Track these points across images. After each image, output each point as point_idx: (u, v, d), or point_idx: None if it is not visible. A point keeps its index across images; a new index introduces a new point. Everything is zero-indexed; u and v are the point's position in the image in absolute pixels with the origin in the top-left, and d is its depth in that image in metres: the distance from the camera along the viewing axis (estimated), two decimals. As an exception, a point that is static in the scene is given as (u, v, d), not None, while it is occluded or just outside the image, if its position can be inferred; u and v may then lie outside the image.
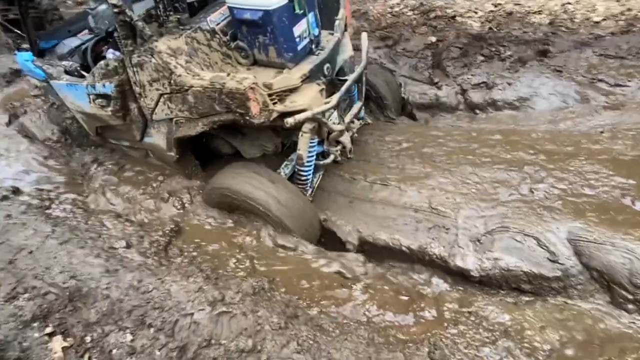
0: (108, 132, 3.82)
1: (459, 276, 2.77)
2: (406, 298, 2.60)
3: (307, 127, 2.88)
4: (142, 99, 3.17)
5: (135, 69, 3.00)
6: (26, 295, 2.61)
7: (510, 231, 2.77)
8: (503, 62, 4.25)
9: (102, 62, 3.18)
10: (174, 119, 3.14)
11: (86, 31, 3.79)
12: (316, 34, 3.13)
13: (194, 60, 2.91)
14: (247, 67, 3.12)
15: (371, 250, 3.06)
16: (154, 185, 3.71)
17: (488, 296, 2.61)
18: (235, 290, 2.49)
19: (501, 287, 2.68)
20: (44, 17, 4.51)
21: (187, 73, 2.81)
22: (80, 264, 2.75)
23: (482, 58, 4.34)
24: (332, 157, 3.35)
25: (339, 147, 3.33)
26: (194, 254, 3.00)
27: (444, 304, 2.51)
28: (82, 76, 3.42)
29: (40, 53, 3.80)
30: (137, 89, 3.13)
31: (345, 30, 3.55)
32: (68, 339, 2.37)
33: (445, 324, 2.32)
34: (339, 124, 3.21)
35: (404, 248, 2.93)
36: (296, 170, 3.19)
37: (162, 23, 3.00)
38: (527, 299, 2.58)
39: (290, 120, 2.71)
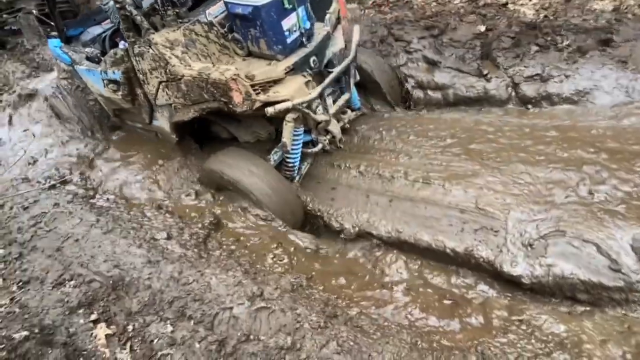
0: (124, 114, 4.24)
1: (508, 282, 2.67)
2: (450, 302, 2.54)
3: (290, 116, 3.14)
4: (145, 86, 3.52)
5: (137, 58, 3.35)
6: (72, 282, 2.74)
7: (566, 236, 2.63)
8: (560, 52, 4.01)
9: (112, 51, 3.57)
10: (172, 105, 3.46)
11: (109, 20, 4.09)
12: (307, 27, 3.30)
13: (190, 51, 3.20)
14: (243, 57, 3.38)
15: (412, 252, 3.00)
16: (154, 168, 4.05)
17: (539, 304, 2.50)
18: (274, 286, 2.52)
19: (554, 295, 2.56)
20: (77, 10, 4.87)
21: (181, 63, 3.11)
22: (123, 253, 2.85)
23: (536, 48, 4.11)
24: (320, 145, 3.62)
25: (328, 137, 3.59)
26: (232, 247, 3.05)
27: (491, 311, 2.43)
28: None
29: (67, 40, 4.25)
30: (140, 76, 3.49)
31: (339, 23, 3.72)
32: (111, 327, 2.46)
33: (494, 332, 2.25)
34: (323, 114, 3.38)
35: (448, 250, 2.86)
36: (284, 157, 3.46)
37: (162, 16, 3.29)
38: (582, 309, 2.45)
39: (269, 110, 2.96)
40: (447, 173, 3.31)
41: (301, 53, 3.26)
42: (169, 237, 3.01)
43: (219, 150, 3.55)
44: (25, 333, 2.38)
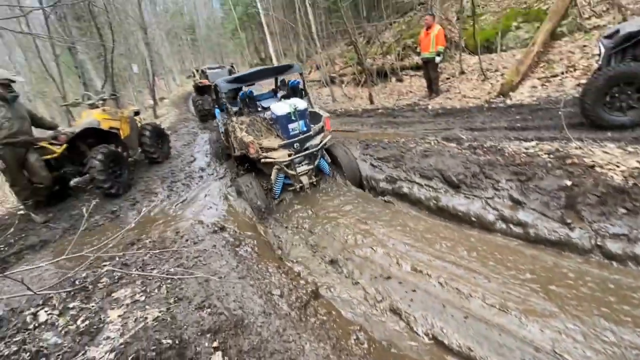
0: (228, 148, 6.50)
1: None
2: None
3: (275, 167, 4.83)
4: (231, 137, 5.56)
5: (228, 125, 5.58)
6: (209, 310, 2.82)
7: (659, 417, 1.95)
8: (650, 220, 3.34)
9: (222, 120, 6.32)
10: (236, 147, 5.40)
11: None
12: (304, 130, 4.85)
13: (250, 128, 5.12)
14: (275, 136, 5.00)
15: (482, 374, 2.50)
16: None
17: None
18: (354, 369, 2.27)
19: None
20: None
21: (240, 131, 5.04)
22: (247, 299, 2.90)
23: (624, 210, 3.49)
24: (293, 188, 4.98)
25: (300, 185, 4.92)
26: (324, 318, 2.90)
27: None
28: None
29: (222, 109, 6.68)
30: (230, 132, 5.57)
31: (322, 131, 5.12)
32: (225, 358, 2.44)
33: None
34: (293, 171, 4.83)
35: (518, 385, 2.32)
36: (271, 185, 5.02)
37: (242, 112, 5.57)
38: None
39: (263, 160, 4.73)
40: (524, 306, 2.81)
41: (290, 140, 4.73)
42: (281, 295, 3.00)
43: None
44: (169, 341, 2.47)
